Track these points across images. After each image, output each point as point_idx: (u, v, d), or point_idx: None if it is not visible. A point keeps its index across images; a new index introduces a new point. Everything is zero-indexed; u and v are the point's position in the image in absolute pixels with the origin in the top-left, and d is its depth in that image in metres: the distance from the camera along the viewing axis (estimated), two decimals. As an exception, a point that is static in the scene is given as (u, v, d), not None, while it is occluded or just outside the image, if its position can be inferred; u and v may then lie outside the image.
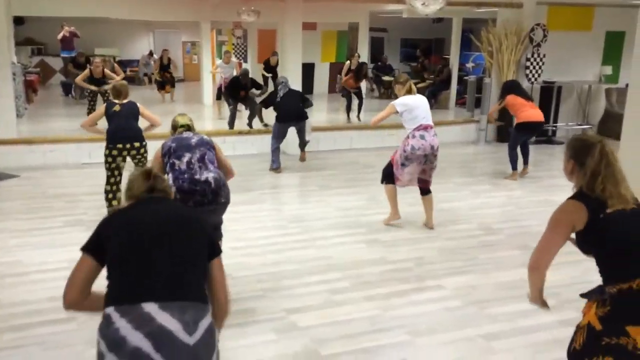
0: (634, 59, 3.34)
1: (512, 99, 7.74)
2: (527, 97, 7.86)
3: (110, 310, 1.92)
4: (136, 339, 1.83)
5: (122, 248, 2.07)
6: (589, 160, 2.33)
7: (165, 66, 14.27)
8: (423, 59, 17.00)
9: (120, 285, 2.00)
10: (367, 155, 9.09)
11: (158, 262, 2.03)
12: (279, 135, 7.93)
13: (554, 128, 10.87)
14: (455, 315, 3.89)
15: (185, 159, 3.94)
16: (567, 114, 11.14)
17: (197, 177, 3.87)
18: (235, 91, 10.06)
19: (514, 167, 7.80)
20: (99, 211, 5.89)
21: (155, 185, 2.32)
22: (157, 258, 2.03)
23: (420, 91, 13.77)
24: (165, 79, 14.30)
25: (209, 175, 3.89)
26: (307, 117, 7.94)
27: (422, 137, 5.40)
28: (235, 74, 11.40)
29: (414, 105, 5.46)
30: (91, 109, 9.81)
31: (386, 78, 15.57)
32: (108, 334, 1.87)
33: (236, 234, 5.27)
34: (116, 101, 5.63)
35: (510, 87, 7.98)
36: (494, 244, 5.31)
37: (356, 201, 6.63)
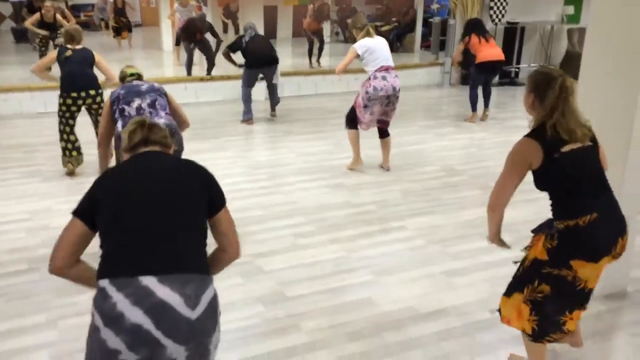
0: (594, -2, 3.34)
1: (473, 38, 7.72)
2: (488, 36, 7.80)
3: (105, 283, 1.76)
4: (135, 315, 1.69)
5: (114, 213, 1.91)
6: (550, 93, 2.33)
7: (120, 10, 13.66)
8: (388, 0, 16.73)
9: (116, 256, 1.84)
10: (332, 100, 9.03)
11: (155, 230, 1.86)
12: (249, 83, 7.67)
13: (516, 69, 10.94)
14: (419, 254, 3.98)
15: (135, 104, 3.83)
16: (530, 55, 11.21)
17: None
18: (191, 33, 9.68)
19: (474, 109, 7.87)
20: (57, 161, 5.75)
21: (150, 136, 2.12)
22: (153, 225, 1.87)
23: (384, 34, 13.60)
24: (120, 24, 13.72)
25: (160, 121, 3.74)
26: (277, 62, 7.64)
27: (384, 78, 5.39)
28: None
29: (374, 47, 5.43)
30: (42, 55, 9.40)
31: (350, 21, 15.29)
32: (104, 308, 1.73)
33: (201, 181, 5.22)
34: (69, 46, 5.37)
35: (473, 26, 7.89)
36: (456, 185, 5.40)
37: (321, 146, 6.62)
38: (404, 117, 8.14)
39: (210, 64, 9.63)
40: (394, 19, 15.14)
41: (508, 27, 10.58)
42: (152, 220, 1.88)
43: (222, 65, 10.02)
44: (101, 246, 1.91)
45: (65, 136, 5.39)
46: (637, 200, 3.37)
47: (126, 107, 3.82)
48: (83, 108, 5.32)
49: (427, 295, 3.45)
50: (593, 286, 2.45)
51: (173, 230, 1.89)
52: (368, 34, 5.50)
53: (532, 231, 2.55)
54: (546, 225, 2.47)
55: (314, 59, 11.61)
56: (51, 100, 7.28)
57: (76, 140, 5.44)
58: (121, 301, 1.71)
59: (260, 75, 7.78)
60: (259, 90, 8.53)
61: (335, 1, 16.12)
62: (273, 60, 7.60)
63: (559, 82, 2.33)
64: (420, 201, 4.97)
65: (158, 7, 14.27)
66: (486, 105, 7.95)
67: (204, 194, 2.03)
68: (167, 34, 13.47)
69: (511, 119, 7.90)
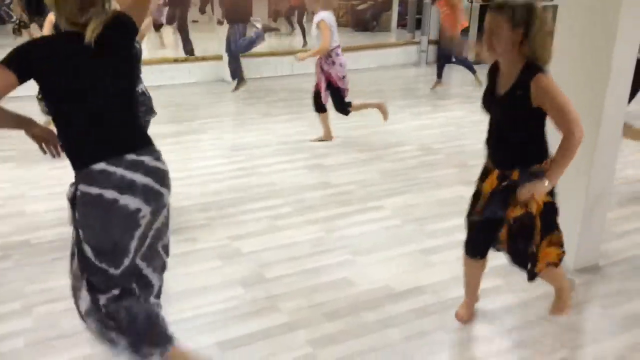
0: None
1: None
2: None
3: (102, 165, 2.07)
4: (141, 178, 2.11)
5: (64, 95, 2.08)
6: (535, 25, 2.33)
7: None
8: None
9: (94, 143, 2.12)
10: (308, 81, 8.94)
11: (109, 112, 2.14)
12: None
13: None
14: (396, 234, 4.02)
15: None
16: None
17: None
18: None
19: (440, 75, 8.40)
20: (31, 147, 5.63)
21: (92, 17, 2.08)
22: (106, 107, 2.13)
23: (361, 13, 13.45)
24: None
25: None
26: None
27: (341, 53, 5.71)
28: None
29: (334, 23, 5.61)
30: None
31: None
32: (114, 182, 2.06)
33: (177, 165, 5.17)
34: None
35: None
36: (433, 164, 5.44)
37: (298, 127, 6.60)
38: (380, 96, 8.14)
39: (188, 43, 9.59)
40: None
41: (483, 5, 10.59)
42: (105, 103, 2.14)
43: (198, 46, 9.90)
44: (62, 137, 2.17)
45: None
46: (607, 177, 3.44)
47: None
48: None
49: (403, 273, 3.49)
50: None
51: (122, 110, 2.20)
52: (327, 6, 5.61)
53: (524, 188, 2.48)
54: (538, 175, 2.44)
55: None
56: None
57: None
58: (125, 172, 2.09)
59: None
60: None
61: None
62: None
63: (538, 12, 2.39)
64: (397, 181, 5.00)
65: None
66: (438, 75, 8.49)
67: (128, 47, 2.28)
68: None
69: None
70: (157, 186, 2.18)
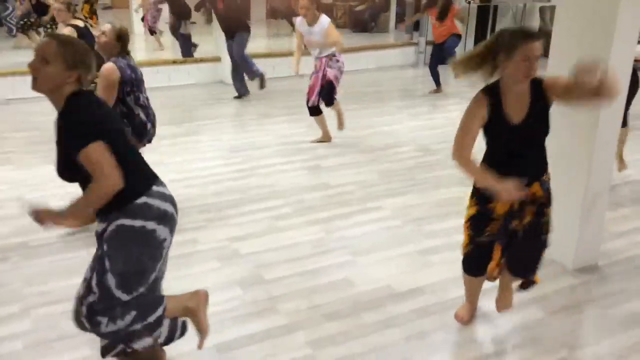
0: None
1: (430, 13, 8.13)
2: (440, 14, 7.92)
3: (144, 199, 2.20)
4: (169, 207, 2.27)
5: (116, 138, 2.18)
6: None
7: None
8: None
9: (137, 178, 2.21)
10: (307, 82, 8.96)
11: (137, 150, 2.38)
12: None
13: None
14: (395, 234, 4.01)
15: (144, 93, 3.89)
16: (503, 34, 11.27)
17: (152, 113, 3.95)
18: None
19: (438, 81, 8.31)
20: (30, 148, 5.64)
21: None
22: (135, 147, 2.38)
23: (359, 13, 13.44)
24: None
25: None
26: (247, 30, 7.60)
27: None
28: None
29: None
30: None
31: (324, 1, 15.15)
32: (153, 213, 2.20)
33: (175, 166, 5.17)
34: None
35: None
36: (432, 164, 5.44)
37: (297, 128, 6.59)
38: (379, 97, 8.15)
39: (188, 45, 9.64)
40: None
41: (481, 6, 10.60)
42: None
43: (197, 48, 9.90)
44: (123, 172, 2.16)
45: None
46: (605, 177, 3.44)
47: (141, 96, 3.83)
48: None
49: (403, 274, 3.49)
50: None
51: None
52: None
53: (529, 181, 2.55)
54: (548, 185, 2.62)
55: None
56: (19, 85, 7.11)
57: None
58: (160, 204, 2.23)
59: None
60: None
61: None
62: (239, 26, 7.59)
63: None
64: (396, 181, 5.00)
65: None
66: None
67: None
68: (137, 17, 13.19)
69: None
70: (175, 213, 2.35)
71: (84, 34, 5.25)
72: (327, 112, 6.03)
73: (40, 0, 10.22)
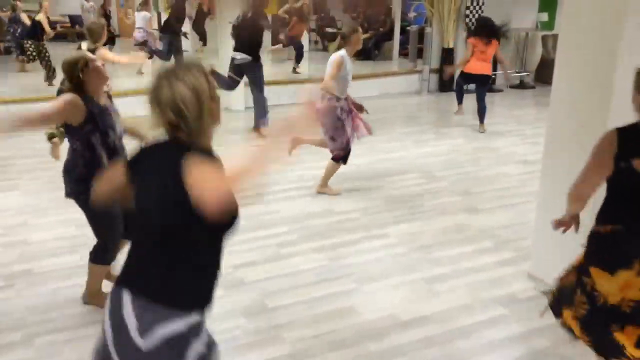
0: (565, 6, 3.40)
1: (472, 41, 7.73)
2: (487, 43, 7.59)
3: (112, 288, 1.77)
4: (107, 325, 1.71)
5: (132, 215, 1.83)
6: None
7: (106, 18, 13.50)
8: (364, 9, 16.81)
9: (124, 263, 1.80)
10: (311, 109, 9.04)
11: (140, 239, 1.78)
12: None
13: (493, 76, 11.05)
14: (400, 262, 3.99)
15: (111, 138, 3.17)
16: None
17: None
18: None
19: (459, 102, 8.25)
20: (35, 175, 5.67)
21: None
22: (140, 232, 1.78)
23: (363, 42, 13.54)
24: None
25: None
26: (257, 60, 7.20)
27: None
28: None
29: (348, 68, 5.07)
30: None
31: (329, 30, 15.37)
32: (106, 309, 1.76)
33: (180, 193, 5.17)
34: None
35: (477, 28, 7.95)
36: (437, 191, 5.43)
37: (302, 155, 6.60)
38: (384, 124, 8.18)
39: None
40: (371, 27, 15.22)
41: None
42: (141, 227, 1.78)
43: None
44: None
45: None
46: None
47: (107, 139, 3.08)
48: None
49: (408, 302, 3.46)
50: (614, 302, 2.25)
51: (153, 249, 1.72)
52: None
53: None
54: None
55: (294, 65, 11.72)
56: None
57: None
58: (107, 307, 1.74)
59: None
60: (238, 98, 8.53)
61: (314, 10, 16.18)
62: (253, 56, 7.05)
63: None
64: (401, 208, 4.99)
65: (134, 19, 14.17)
66: (480, 120, 7.82)
67: (179, 195, 1.60)
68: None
69: (490, 125, 7.97)
70: (111, 347, 1.82)
71: None
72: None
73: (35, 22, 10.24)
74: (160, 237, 1.70)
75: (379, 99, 10.09)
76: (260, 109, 7.42)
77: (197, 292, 1.74)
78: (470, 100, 8.69)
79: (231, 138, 7.55)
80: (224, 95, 8.86)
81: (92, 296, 3.34)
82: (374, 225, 4.61)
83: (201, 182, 1.55)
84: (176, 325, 1.64)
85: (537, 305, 3.42)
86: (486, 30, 7.66)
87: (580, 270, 2.37)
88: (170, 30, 10.76)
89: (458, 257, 4.03)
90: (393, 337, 3.09)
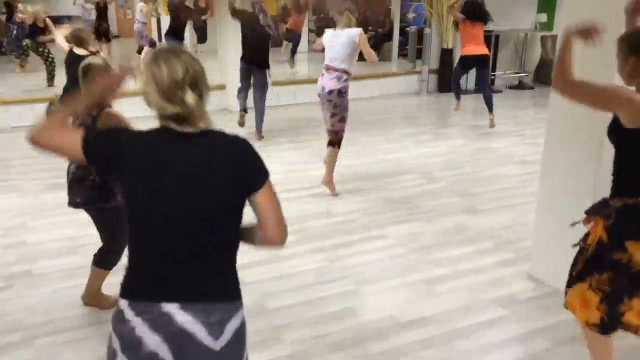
0: (564, 7, 3.40)
1: (464, 26, 7.63)
2: (474, 23, 7.55)
3: (124, 304, 1.62)
4: (153, 342, 1.58)
5: (137, 208, 1.64)
6: None
7: (102, 15, 13.39)
8: (364, 9, 16.82)
9: (138, 274, 1.66)
10: (310, 110, 9.02)
11: (181, 245, 1.63)
12: (241, 76, 7.20)
13: (492, 77, 11.07)
14: (399, 263, 3.99)
15: None
16: (505, 62, 11.37)
17: None
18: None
19: (457, 97, 7.98)
20: (34, 176, 5.67)
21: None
22: (179, 238, 1.62)
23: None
24: (101, 30, 13.41)
25: None
26: (268, 66, 7.10)
27: (322, 75, 5.13)
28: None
29: (328, 42, 5.09)
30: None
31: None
32: (123, 331, 1.61)
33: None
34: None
35: (465, 12, 7.63)
36: (436, 192, 5.43)
37: (301, 156, 6.62)
38: (383, 125, 8.19)
39: None
40: (370, 28, 15.23)
41: (485, 35, 10.70)
42: (179, 233, 1.62)
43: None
44: (129, 250, 1.69)
45: None
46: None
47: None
48: None
49: (408, 303, 3.46)
50: None
51: (202, 247, 1.64)
52: (346, 25, 5.10)
53: (586, 212, 2.37)
54: (600, 206, 2.30)
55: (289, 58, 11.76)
56: (25, 113, 7.18)
57: None
58: (139, 325, 1.59)
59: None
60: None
61: (312, 11, 16.19)
62: (262, 62, 7.02)
63: None
64: (400, 209, 4.99)
65: (134, 19, 14.15)
66: (489, 110, 7.70)
67: (236, 189, 1.65)
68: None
69: (487, 126, 7.98)
70: None
71: None
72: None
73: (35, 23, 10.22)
74: (208, 243, 1.64)
75: (378, 99, 10.09)
76: (261, 116, 7.37)
77: (238, 278, 1.75)
78: (469, 101, 8.70)
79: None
80: (223, 97, 8.89)
81: (92, 297, 3.34)
82: (374, 226, 4.61)
83: (270, 208, 1.73)
84: (239, 316, 1.69)
85: (537, 306, 3.43)
86: (474, 14, 7.61)
87: (610, 246, 2.26)
88: (173, 36, 10.66)
89: (458, 258, 4.03)
90: (393, 338, 3.09)
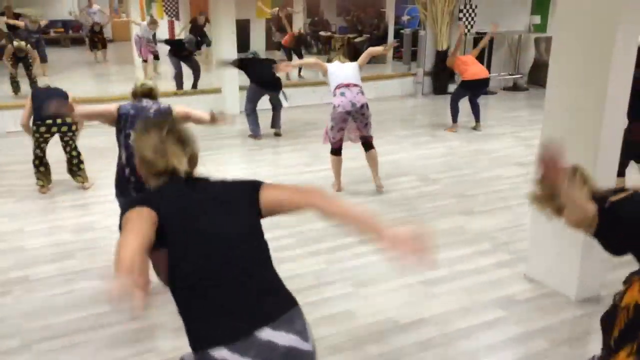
0: (558, 7, 3.42)
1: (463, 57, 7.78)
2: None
3: (224, 353, 1.57)
4: None
5: (188, 253, 1.70)
6: None
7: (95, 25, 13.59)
8: (358, 12, 16.87)
9: (216, 319, 1.64)
10: (308, 112, 9.05)
11: (239, 270, 1.71)
12: (252, 98, 7.55)
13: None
14: (397, 265, 3.99)
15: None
16: (499, 64, 11.41)
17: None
18: (178, 51, 9.78)
19: (454, 120, 7.95)
20: (29, 181, 5.65)
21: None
22: (234, 263, 1.71)
23: (357, 45, 13.58)
24: (96, 39, 13.58)
25: None
26: (281, 86, 7.57)
27: (342, 94, 5.32)
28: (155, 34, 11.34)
29: (337, 70, 5.51)
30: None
31: (323, 34, 15.40)
32: None
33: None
34: None
35: None
36: (434, 194, 5.44)
37: (299, 159, 6.63)
38: (379, 127, 8.18)
39: (197, 79, 9.84)
40: (361, 29, 15.27)
41: (477, 37, 10.74)
42: (233, 264, 1.71)
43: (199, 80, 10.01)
44: (184, 308, 1.69)
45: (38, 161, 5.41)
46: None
47: (132, 134, 3.41)
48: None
49: (406, 305, 3.46)
50: None
51: (253, 269, 1.76)
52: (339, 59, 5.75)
53: (624, 283, 2.35)
54: (636, 272, 2.28)
55: (295, 72, 11.77)
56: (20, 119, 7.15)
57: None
58: None
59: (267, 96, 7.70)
60: (234, 102, 8.53)
61: (307, 14, 16.22)
62: (277, 84, 7.53)
63: None
64: (397, 211, 5.00)
65: (129, 23, 14.17)
66: (477, 119, 7.94)
67: (254, 210, 1.85)
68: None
69: (484, 127, 8.01)
70: None
71: None
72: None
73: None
74: (256, 258, 1.80)
75: (374, 102, 10.07)
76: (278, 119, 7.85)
77: None
78: (464, 103, 8.72)
79: (226, 142, 7.56)
80: (221, 99, 8.90)
81: None
82: (371, 228, 4.61)
83: (281, 189, 1.94)
84: (301, 310, 1.80)
85: (536, 306, 3.45)
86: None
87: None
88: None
89: (455, 259, 4.04)
90: (391, 340, 3.10)
